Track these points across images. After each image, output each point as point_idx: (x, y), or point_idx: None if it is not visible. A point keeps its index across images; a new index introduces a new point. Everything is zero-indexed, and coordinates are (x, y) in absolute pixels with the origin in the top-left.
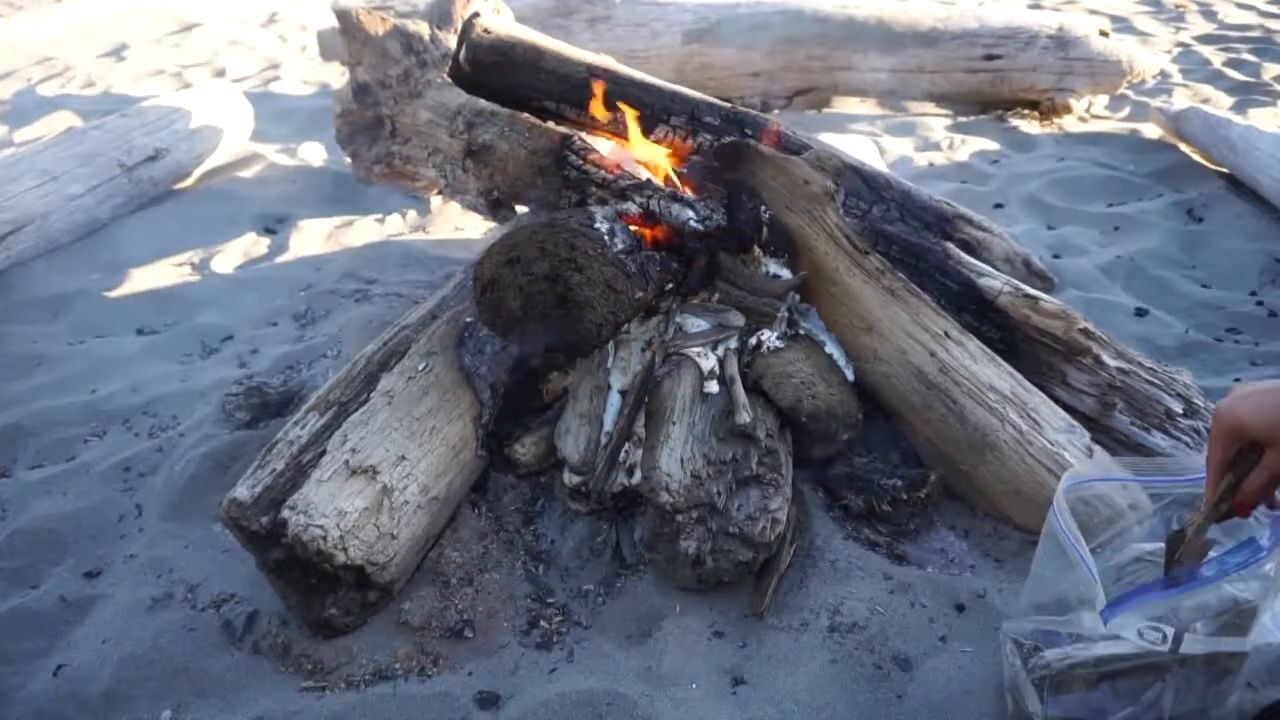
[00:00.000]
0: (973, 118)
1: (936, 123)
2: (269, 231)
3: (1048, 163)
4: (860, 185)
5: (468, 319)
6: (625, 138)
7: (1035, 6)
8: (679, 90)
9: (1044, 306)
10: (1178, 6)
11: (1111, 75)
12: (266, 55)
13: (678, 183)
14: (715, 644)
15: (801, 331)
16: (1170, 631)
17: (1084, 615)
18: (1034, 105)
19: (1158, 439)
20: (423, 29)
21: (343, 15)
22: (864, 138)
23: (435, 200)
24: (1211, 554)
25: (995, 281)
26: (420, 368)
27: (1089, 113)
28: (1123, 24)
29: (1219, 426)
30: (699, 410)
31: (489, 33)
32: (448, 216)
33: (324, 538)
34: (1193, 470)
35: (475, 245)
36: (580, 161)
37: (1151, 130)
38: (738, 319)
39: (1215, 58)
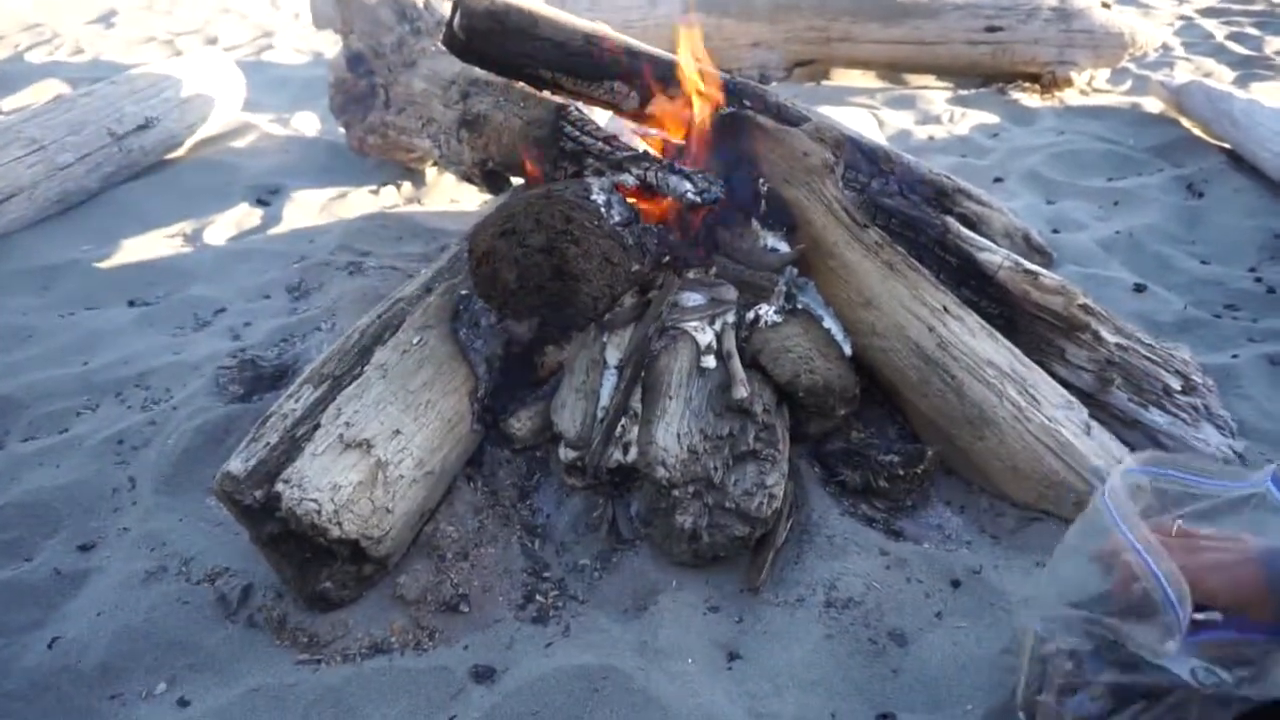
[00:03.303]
0: (973, 90)
1: (936, 95)
2: (262, 203)
3: (1048, 136)
4: (859, 158)
5: (463, 292)
6: (623, 109)
7: None
8: (676, 59)
9: (1043, 282)
10: None
11: (1113, 48)
12: (259, 23)
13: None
14: (711, 619)
15: (799, 306)
16: (1228, 677)
17: (1140, 630)
18: (1035, 78)
19: (1155, 415)
20: None
21: None
22: (863, 110)
23: (430, 171)
24: None
25: (994, 256)
26: (415, 341)
27: (1090, 86)
28: None
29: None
30: (696, 385)
31: None
32: (443, 188)
33: (318, 511)
34: (1247, 481)
35: (470, 217)
36: (577, 132)
37: (1153, 104)
38: (732, 293)
39: (1218, 31)
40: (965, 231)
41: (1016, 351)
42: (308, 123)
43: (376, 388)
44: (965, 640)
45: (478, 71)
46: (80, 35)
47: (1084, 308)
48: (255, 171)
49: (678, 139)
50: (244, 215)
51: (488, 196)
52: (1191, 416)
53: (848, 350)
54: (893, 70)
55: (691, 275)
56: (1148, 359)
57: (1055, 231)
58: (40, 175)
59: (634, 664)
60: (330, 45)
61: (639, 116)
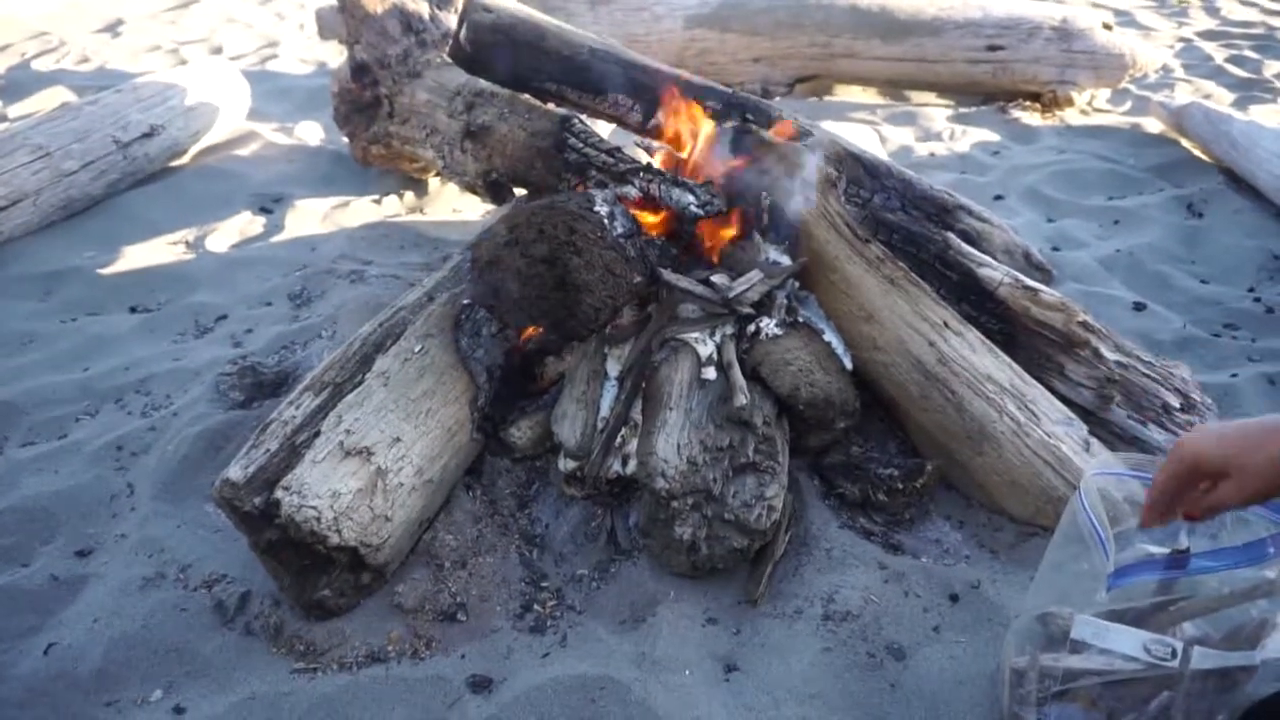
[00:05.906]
0: (974, 108)
1: (938, 113)
2: (265, 211)
3: (1048, 155)
4: (861, 174)
5: (465, 301)
6: (627, 122)
7: None
8: (680, 74)
9: (1043, 298)
10: (1181, 3)
11: (1114, 69)
12: (264, 33)
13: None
14: (709, 630)
15: (800, 319)
16: (1179, 646)
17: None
18: (1035, 97)
19: (1154, 432)
20: (422, 8)
21: None
22: (865, 126)
23: (433, 181)
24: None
25: (995, 272)
26: (416, 350)
27: (1090, 106)
28: (1126, 18)
29: (1177, 456)
30: (696, 396)
31: (490, 12)
32: (446, 198)
33: (317, 519)
34: None
35: (473, 227)
36: (580, 144)
37: (1153, 124)
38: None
39: (1217, 53)
40: (966, 247)
41: (1016, 367)
42: (311, 132)
43: (377, 396)
44: (963, 655)
45: (482, 83)
46: (87, 44)
47: (1084, 324)
48: (259, 180)
49: (681, 152)
50: (247, 223)
51: (491, 206)
52: None
53: (848, 364)
54: (894, 87)
55: None
56: (1147, 376)
57: (1055, 249)
58: (45, 182)
59: (631, 675)
60: (335, 55)
61: (643, 129)
